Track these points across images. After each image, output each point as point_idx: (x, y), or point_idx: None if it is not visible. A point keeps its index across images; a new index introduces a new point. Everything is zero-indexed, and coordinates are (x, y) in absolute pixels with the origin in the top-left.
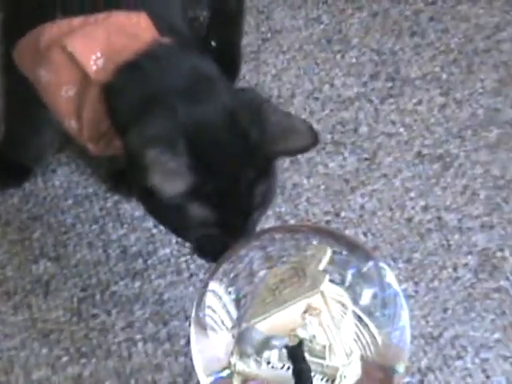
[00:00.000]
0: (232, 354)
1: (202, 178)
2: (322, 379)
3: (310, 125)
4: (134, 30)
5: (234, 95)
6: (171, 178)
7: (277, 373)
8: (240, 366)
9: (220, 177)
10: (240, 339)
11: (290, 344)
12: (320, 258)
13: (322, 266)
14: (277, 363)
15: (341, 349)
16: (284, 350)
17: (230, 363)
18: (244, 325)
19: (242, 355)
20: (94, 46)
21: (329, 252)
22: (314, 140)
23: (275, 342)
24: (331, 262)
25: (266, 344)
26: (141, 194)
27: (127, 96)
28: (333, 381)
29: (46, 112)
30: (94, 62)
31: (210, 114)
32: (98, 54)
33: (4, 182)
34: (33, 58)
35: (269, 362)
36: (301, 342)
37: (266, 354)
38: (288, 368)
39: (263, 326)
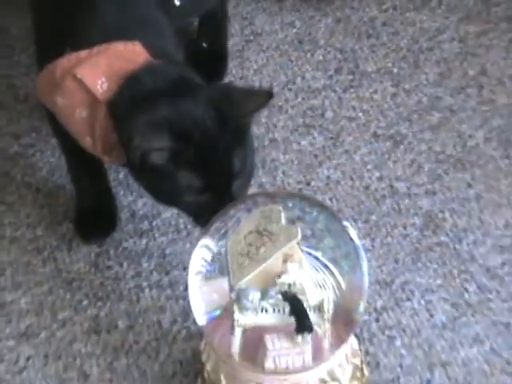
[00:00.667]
0: (233, 311)
1: (183, 146)
2: (309, 311)
3: (264, 88)
4: (131, 56)
5: (209, 89)
6: (150, 136)
7: (273, 317)
8: (242, 319)
9: (199, 145)
10: (237, 298)
11: (282, 290)
12: (276, 217)
13: (283, 222)
14: (271, 310)
15: (317, 285)
16: (278, 297)
17: (233, 319)
18: (236, 287)
19: (241, 310)
20: (99, 72)
21: (281, 209)
22: (268, 95)
23: (269, 293)
24: (303, 220)
25: (262, 295)
26: (138, 175)
27: (124, 103)
28: (320, 310)
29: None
30: (100, 86)
31: (189, 103)
32: (103, 79)
33: (87, 235)
34: (50, 88)
35: (266, 311)
36: (290, 285)
37: (262, 304)
38: (283, 311)
39: (253, 283)
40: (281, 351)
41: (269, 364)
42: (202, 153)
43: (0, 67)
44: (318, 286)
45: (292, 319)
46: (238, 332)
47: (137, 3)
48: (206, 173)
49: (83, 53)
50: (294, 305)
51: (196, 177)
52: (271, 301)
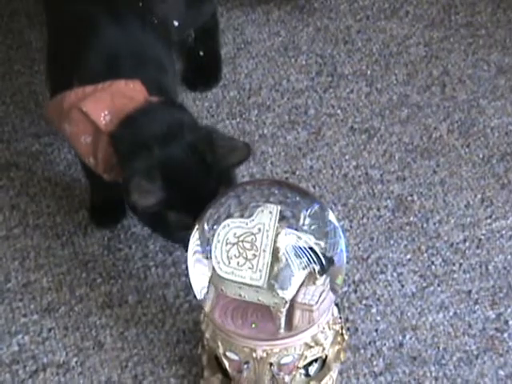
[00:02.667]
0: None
1: (172, 194)
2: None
3: (245, 143)
4: (131, 93)
5: (195, 133)
6: (145, 195)
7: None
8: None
9: (186, 190)
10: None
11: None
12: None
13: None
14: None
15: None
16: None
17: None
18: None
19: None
20: (103, 106)
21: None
22: (248, 153)
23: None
24: (285, 203)
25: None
26: (134, 210)
27: (125, 142)
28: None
29: None
30: (104, 118)
31: (178, 151)
32: (106, 112)
33: (100, 222)
34: (58, 116)
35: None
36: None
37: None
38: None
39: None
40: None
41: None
42: (188, 196)
43: (23, 76)
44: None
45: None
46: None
47: (138, 39)
48: (193, 211)
49: (89, 88)
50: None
51: (184, 216)
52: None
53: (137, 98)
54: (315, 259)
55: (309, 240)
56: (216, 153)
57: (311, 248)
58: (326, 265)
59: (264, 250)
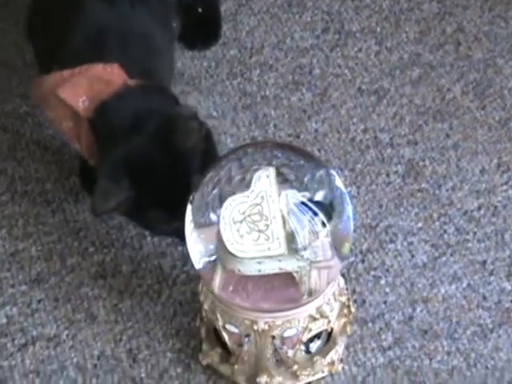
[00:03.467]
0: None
1: (143, 191)
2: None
3: (200, 122)
4: (109, 77)
5: (161, 120)
6: (107, 198)
7: None
8: None
9: (157, 184)
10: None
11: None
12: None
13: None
14: None
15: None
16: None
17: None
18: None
19: None
20: (80, 91)
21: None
22: (200, 133)
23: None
24: (288, 166)
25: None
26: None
27: (100, 130)
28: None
29: None
30: (82, 104)
31: (144, 142)
32: (84, 98)
33: (92, 188)
34: (40, 100)
35: None
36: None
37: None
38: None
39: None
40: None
41: None
42: (160, 190)
43: (9, 34)
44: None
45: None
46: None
47: (126, 16)
48: (168, 206)
49: (66, 72)
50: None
51: (160, 211)
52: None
53: (115, 81)
54: (320, 211)
55: (309, 194)
56: (175, 139)
57: (314, 201)
58: (329, 212)
59: (274, 217)
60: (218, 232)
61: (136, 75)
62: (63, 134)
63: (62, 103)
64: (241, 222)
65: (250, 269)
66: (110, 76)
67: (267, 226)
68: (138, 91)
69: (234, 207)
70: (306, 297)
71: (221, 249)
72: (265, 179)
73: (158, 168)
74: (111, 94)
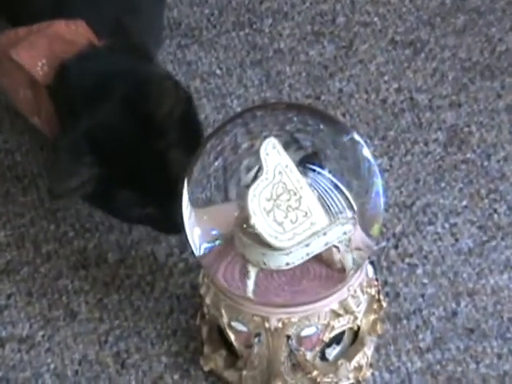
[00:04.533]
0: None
1: (109, 169)
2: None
3: (175, 82)
4: (72, 37)
5: (129, 83)
6: (67, 176)
7: None
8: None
9: (125, 160)
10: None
11: None
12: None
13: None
14: None
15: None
16: None
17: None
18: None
19: None
20: (39, 53)
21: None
22: (177, 96)
23: None
24: (303, 131)
25: None
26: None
27: (59, 97)
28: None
29: None
30: (41, 68)
31: (110, 110)
32: (44, 61)
33: None
34: None
35: None
36: None
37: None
38: None
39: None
40: None
41: None
42: (130, 169)
43: None
44: (325, 207)
45: None
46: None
47: None
48: (141, 185)
49: (22, 30)
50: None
51: (131, 192)
52: None
53: (79, 41)
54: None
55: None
56: (147, 103)
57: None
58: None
59: (301, 187)
60: (240, 224)
61: (107, 36)
62: (19, 105)
63: (18, 67)
64: (272, 209)
65: (299, 256)
66: (73, 35)
67: (299, 200)
68: (105, 52)
69: (259, 196)
70: (352, 272)
71: (255, 248)
72: (272, 151)
73: (128, 140)
74: (73, 55)
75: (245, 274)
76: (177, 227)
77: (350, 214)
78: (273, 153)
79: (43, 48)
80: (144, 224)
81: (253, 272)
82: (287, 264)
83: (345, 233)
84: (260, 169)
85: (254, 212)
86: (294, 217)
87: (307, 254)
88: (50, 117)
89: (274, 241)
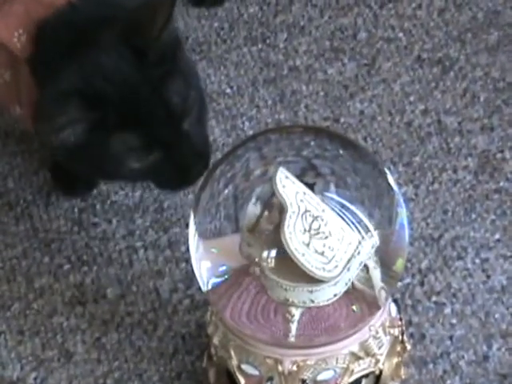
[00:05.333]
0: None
1: (102, 111)
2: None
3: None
4: (50, 0)
5: (122, 19)
6: (55, 112)
7: None
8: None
9: (121, 99)
10: None
11: None
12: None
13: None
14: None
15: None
16: None
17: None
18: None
19: None
20: (15, 23)
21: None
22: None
23: None
24: (322, 157)
25: None
26: (65, 156)
27: (38, 63)
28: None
29: None
30: (18, 40)
31: (98, 52)
32: (20, 31)
33: (68, 187)
34: None
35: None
36: None
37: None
38: None
39: None
40: None
41: None
42: (128, 107)
43: None
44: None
45: None
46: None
47: None
48: (142, 127)
49: None
50: None
51: (132, 137)
52: None
53: (57, 3)
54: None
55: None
56: (136, 25)
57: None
58: None
59: (323, 210)
60: (277, 269)
61: None
62: None
63: None
64: (310, 241)
65: (343, 284)
66: None
67: (327, 224)
68: (84, 6)
69: (295, 233)
70: (383, 295)
71: (301, 288)
72: (287, 181)
73: (122, 76)
74: (48, 15)
75: (288, 319)
76: (191, 175)
77: (370, 225)
78: (288, 183)
79: (20, 16)
80: (148, 178)
81: (297, 314)
82: (335, 295)
83: (373, 246)
84: (266, 204)
85: (297, 250)
86: (330, 243)
87: (349, 280)
88: (32, 100)
89: (323, 273)
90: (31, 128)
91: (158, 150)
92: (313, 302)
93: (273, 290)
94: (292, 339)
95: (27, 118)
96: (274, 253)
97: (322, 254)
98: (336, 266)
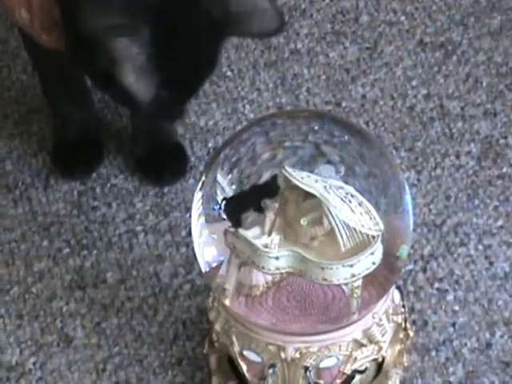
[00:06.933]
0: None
1: (139, 23)
2: None
3: (276, 8)
4: None
5: None
6: (141, 76)
7: None
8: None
9: (181, 57)
10: None
11: None
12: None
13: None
14: None
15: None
16: None
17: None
18: None
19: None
20: None
21: None
22: (278, 25)
23: None
24: (330, 143)
25: None
26: (82, 60)
27: None
28: None
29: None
30: None
31: None
32: None
33: (68, 169)
34: None
35: None
36: None
37: None
38: None
39: None
40: None
41: None
42: (162, 30)
43: None
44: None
45: None
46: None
47: None
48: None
49: None
50: None
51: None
52: None
53: None
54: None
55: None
56: (227, 11)
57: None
58: None
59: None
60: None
61: None
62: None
63: None
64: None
65: (364, 267)
66: None
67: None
68: None
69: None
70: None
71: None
72: (309, 180)
73: (187, 33)
74: None
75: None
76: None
77: (376, 214)
78: (308, 181)
79: None
80: (153, 110)
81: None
82: (373, 263)
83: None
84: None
85: (348, 217)
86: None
87: (373, 263)
88: (46, 4)
89: (373, 232)
90: (37, 33)
91: (173, 90)
92: (353, 275)
93: (310, 271)
94: (355, 316)
95: (33, 24)
96: (277, 239)
97: (364, 214)
98: (377, 224)
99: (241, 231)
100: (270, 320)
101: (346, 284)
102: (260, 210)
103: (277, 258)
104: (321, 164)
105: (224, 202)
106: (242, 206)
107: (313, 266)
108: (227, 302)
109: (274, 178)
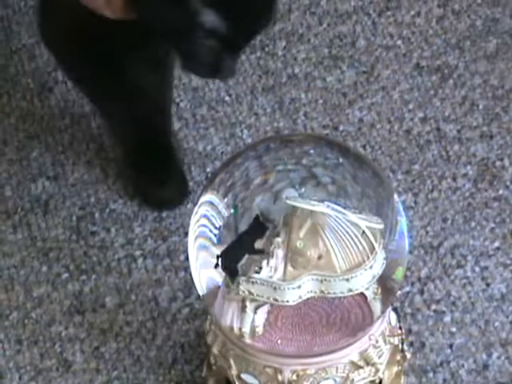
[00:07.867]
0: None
1: None
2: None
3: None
4: None
5: None
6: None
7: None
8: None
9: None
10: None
11: None
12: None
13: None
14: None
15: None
16: None
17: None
18: None
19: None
20: None
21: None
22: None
23: None
24: (323, 165)
25: None
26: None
27: None
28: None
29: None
30: None
31: None
32: None
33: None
34: None
35: None
36: None
37: None
38: None
39: None
40: None
41: None
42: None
43: None
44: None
45: None
46: (250, 308)
47: None
48: (232, 22)
49: None
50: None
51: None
52: None
53: None
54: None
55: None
56: None
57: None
58: None
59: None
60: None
61: None
62: None
63: None
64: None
65: (362, 282)
66: None
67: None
68: None
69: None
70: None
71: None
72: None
73: None
74: None
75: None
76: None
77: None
78: (315, 203)
79: None
80: (194, 52)
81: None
82: (373, 277)
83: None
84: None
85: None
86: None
87: (373, 277)
88: None
89: (376, 225)
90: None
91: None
92: (351, 290)
93: (333, 287)
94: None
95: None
96: (292, 270)
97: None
98: (380, 222)
99: (256, 275)
100: (266, 342)
101: (367, 289)
102: (254, 252)
103: (299, 287)
104: (311, 186)
105: (220, 259)
106: (237, 255)
107: (336, 280)
108: (248, 341)
109: (256, 218)
